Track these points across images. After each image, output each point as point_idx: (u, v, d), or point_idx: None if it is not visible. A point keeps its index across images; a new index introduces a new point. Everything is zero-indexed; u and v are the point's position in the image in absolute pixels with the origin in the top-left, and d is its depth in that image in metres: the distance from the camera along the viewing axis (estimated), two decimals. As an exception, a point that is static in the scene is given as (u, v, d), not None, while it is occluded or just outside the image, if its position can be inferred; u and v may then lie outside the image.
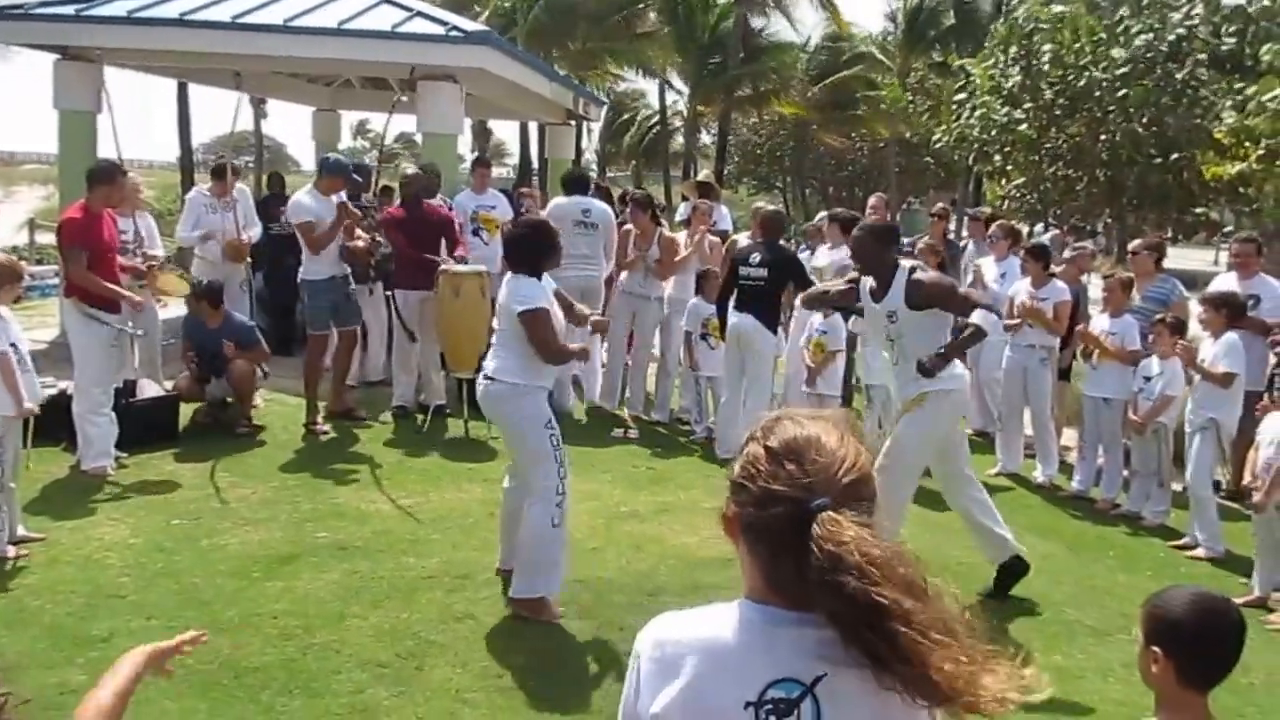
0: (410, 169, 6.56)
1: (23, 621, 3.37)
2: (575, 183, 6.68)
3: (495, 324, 3.73)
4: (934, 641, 0.94)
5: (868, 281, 3.89)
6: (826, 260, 6.31)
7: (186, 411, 5.78)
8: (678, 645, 1.07)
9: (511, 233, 3.82)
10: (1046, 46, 10.87)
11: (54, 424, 4.80)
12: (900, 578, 0.96)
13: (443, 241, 6.23)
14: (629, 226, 6.51)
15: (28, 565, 3.81)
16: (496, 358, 3.62)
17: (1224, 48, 10.13)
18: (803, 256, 6.65)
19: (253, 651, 3.22)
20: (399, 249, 6.18)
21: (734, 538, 1.09)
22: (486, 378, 3.61)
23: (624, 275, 6.52)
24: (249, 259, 6.55)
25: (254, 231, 6.38)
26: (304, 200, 5.82)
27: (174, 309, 6.56)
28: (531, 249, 3.62)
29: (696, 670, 1.04)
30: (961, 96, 12.35)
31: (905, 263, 3.82)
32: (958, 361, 3.81)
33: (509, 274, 3.66)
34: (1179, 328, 5.03)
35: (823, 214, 7.00)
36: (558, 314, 3.64)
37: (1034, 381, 5.74)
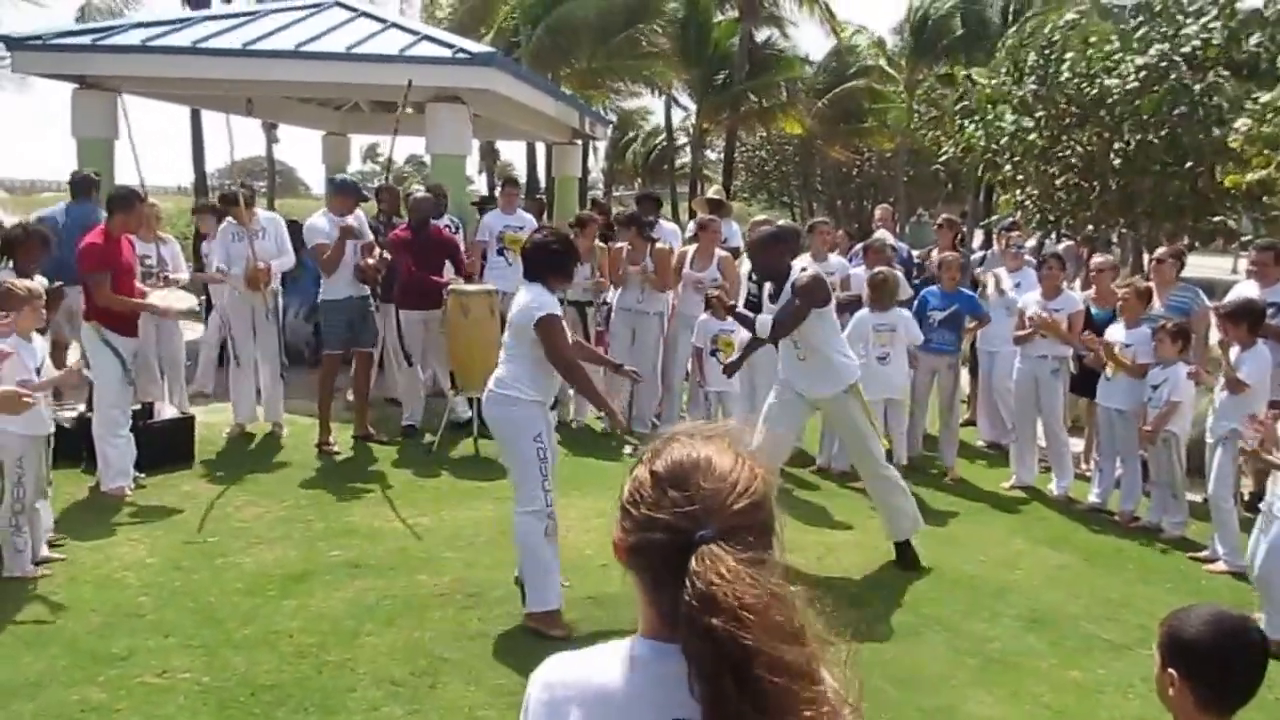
0: (420, 190, 6.61)
1: (44, 640, 3.40)
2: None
3: (505, 337, 3.74)
4: (799, 691, 0.88)
5: (767, 286, 4.32)
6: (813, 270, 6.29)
7: (203, 433, 5.84)
8: (565, 689, 1.02)
9: (538, 241, 3.71)
10: (1068, 55, 10.83)
11: (74, 445, 4.86)
12: (775, 625, 0.89)
13: (448, 263, 6.30)
14: (620, 244, 6.56)
15: (49, 584, 3.86)
16: (503, 367, 3.67)
17: (1242, 53, 10.05)
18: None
19: (268, 669, 3.24)
20: (403, 270, 6.23)
21: (623, 563, 1.04)
22: (490, 387, 3.67)
23: (619, 292, 6.56)
24: (280, 287, 6.33)
25: (280, 261, 6.07)
26: (318, 223, 5.87)
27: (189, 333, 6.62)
28: (553, 262, 3.64)
29: (581, 717, 0.99)
30: (964, 105, 12.31)
31: (797, 264, 4.22)
32: (849, 352, 4.42)
33: (522, 285, 3.69)
34: (1180, 334, 4.96)
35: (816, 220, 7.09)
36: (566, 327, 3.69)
37: (1046, 392, 5.69)
